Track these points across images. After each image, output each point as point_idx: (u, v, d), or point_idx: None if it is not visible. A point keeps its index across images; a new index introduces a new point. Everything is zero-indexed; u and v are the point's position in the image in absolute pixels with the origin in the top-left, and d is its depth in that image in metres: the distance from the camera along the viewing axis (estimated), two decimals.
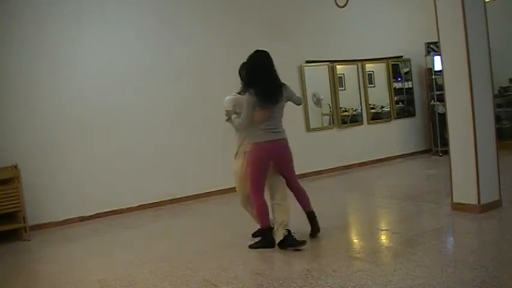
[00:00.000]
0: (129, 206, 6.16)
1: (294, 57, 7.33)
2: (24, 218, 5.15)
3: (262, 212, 3.90)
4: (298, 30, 7.43)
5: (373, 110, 8.29)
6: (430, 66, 8.21)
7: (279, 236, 3.83)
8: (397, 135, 8.53)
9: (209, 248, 4.09)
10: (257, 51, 3.86)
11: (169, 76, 6.47)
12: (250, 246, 3.97)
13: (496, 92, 7.09)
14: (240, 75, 4.00)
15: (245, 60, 3.91)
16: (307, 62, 7.48)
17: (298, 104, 4.19)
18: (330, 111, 7.84)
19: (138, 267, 3.78)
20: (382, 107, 8.40)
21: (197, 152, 6.61)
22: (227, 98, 3.98)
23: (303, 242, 3.77)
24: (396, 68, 8.50)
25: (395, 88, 8.49)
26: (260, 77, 3.76)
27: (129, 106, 6.18)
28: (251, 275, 3.31)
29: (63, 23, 5.81)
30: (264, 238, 3.95)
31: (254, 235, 4.20)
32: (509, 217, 4.12)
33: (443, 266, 3.03)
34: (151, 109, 6.32)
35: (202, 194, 6.62)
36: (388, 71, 8.36)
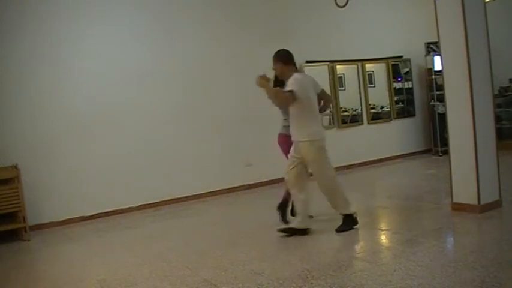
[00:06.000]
0: (129, 206, 6.15)
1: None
2: (24, 218, 5.15)
3: None
4: (298, 30, 7.42)
5: (373, 110, 8.28)
6: (430, 66, 8.21)
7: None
8: (397, 135, 8.52)
9: (209, 248, 4.09)
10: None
11: (170, 76, 6.46)
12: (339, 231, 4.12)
13: (496, 92, 7.08)
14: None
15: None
16: (307, 62, 7.46)
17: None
18: (330, 111, 7.83)
19: (138, 267, 3.78)
20: (382, 107, 8.40)
21: (197, 152, 6.59)
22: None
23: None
24: (396, 68, 8.49)
25: (395, 88, 8.49)
26: None
27: (130, 106, 6.18)
28: (251, 275, 3.30)
29: (64, 22, 5.80)
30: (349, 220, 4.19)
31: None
32: (509, 217, 4.13)
33: (443, 266, 3.03)
34: (151, 109, 6.32)
35: (202, 194, 6.61)
36: (388, 71, 8.35)
